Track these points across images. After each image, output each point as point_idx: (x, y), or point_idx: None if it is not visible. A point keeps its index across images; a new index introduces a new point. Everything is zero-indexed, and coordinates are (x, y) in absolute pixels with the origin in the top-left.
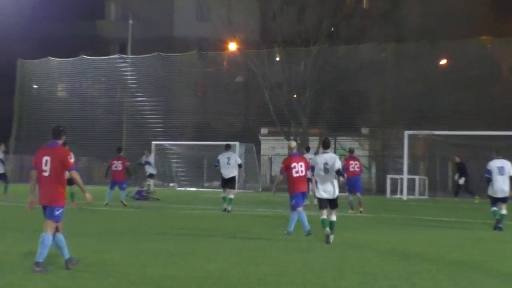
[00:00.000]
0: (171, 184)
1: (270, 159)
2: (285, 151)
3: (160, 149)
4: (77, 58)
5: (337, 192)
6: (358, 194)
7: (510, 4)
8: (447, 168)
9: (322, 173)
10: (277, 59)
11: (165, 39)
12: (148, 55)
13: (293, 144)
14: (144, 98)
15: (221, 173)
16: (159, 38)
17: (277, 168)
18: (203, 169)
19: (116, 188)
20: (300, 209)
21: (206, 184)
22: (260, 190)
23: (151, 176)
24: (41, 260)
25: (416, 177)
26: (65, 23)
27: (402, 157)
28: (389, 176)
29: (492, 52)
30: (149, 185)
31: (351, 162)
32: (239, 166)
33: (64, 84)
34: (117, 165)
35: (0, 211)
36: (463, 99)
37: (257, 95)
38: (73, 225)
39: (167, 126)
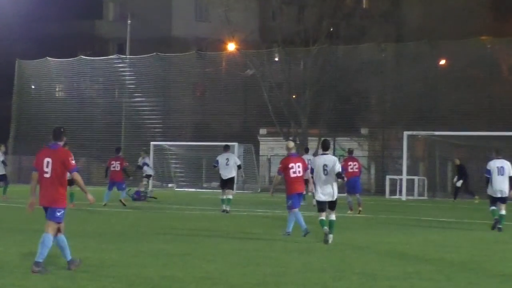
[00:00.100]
0: (170, 185)
1: (269, 159)
2: (284, 151)
3: (159, 149)
4: (75, 58)
5: (336, 194)
6: (357, 195)
7: (510, 4)
8: (447, 169)
9: (321, 175)
10: (276, 59)
11: (163, 39)
12: (147, 55)
13: (291, 144)
14: (142, 99)
15: (219, 174)
16: (158, 38)
17: (276, 168)
18: (202, 169)
19: (115, 188)
20: (296, 210)
21: (205, 185)
22: (259, 190)
23: (148, 176)
24: (40, 260)
25: (415, 178)
26: (63, 23)
27: (401, 157)
28: (388, 177)
29: (492, 52)
30: (145, 185)
31: (349, 163)
32: (239, 167)
33: (62, 85)
34: (116, 166)
35: None
36: (463, 99)
37: (256, 96)
38: (72, 226)
39: (165, 126)
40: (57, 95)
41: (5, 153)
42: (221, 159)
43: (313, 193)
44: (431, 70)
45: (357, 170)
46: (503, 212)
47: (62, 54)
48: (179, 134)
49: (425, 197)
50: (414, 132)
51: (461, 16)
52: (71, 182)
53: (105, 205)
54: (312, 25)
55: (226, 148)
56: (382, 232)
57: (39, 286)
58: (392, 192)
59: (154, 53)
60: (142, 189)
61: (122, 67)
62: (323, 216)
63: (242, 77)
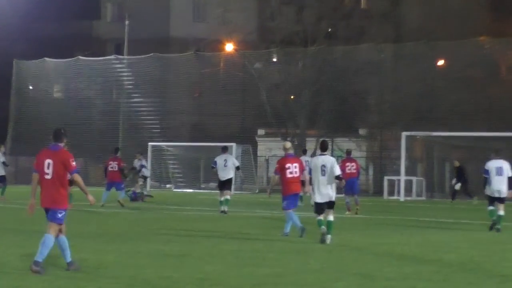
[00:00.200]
0: (167, 186)
1: (267, 160)
2: (282, 152)
3: (157, 150)
4: (73, 58)
5: (334, 196)
6: (355, 196)
7: (508, 4)
8: (445, 169)
9: (319, 175)
10: (275, 59)
11: (161, 39)
12: (145, 55)
13: (288, 144)
14: (140, 99)
15: (217, 175)
16: (156, 39)
17: (273, 169)
18: (200, 170)
19: (113, 189)
20: (290, 211)
21: (202, 185)
22: (257, 191)
23: (144, 177)
24: (40, 260)
25: (414, 178)
26: (61, 23)
27: (399, 158)
28: (386, 177)
29: (491, 53)
30: (141, 185)
31: (347, 164)
32: (237, 168)
33: (60, 85)
34: (113, 166)
35: None
36: (461, 100)
37: (254, 96)
38: (70, 227)
39: (163, 127)
40: (55, 95)
41: (5, 153)
42: (219, 160)
43: (309, 194)
44: (430, 71)
45: (354, 171)
46: (502, 212)
47: (60, 55)
48: (177, 135)
49: (423, 198)
50: (412, 133)
51: (459, 16)
52: (71, 183)
53: (102, 205)
54: (311, 26)
55: (224, 149)
56: (380, 233)
57: (37, 287)
58: (390, 192)
59: (152, 54)
60: (138, 190)
61: (120, 67)
62: (321, 217)
63: (240, 78)
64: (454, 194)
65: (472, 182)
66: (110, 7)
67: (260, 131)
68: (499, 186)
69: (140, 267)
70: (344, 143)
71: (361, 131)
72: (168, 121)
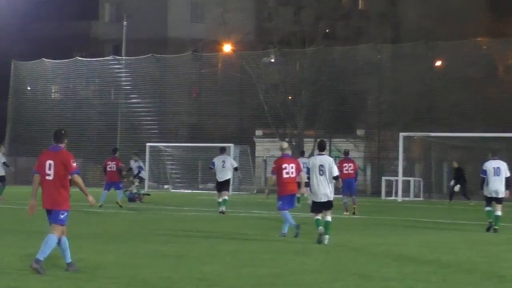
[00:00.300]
0: (165, 186)
1: (265, 161)
2: (280, 153)
3: (155, 151)
4: (71, 59)
5: (332, 195)
6: (353, 196)
7: (506, 5)
8: (443, 170)
9: (317, 175)
10: (272, 60)
11: (159, 40)
12: (143, 56)
13: (285, 145)
14: (138, 100)
15: (215, 176)
16: (154, 39)
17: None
18: (198, 171)
19: (112, 190)
20: (285, 211)
21: (200, 186)
22: (255, 192)
23: (140, 179)
24: (41, 259)
25: (411, 179)
26: (59, 24)
27: (397, 158)
28: (384, 178)
29: (488, 53)
30: (137, 186)
31: (344, 164)
32: (236, 169)
33: (58, 86)
34: (112, 166)
35: None
36: (459, 100)
37: (252, 97)
38: (68, 227)
39: (161, 127)
40: (53, 96)
41: (5, 154)
42: (217, 161)
43: (304, 194)
44: (428, 71)
45: (352, 171)
46: (499, 213)
47: (58, 55)
48: (175, 135)
49: (421, 198)
50: (410, 134)
51: (458, 17)
52: (70, 183)
53: (100, 206)
54: (309, 26)
55: (222, 150)
56: (378, 233)
57: (36, 287)
58: (388, 193)
59: (150, 54)
60: (134, 190)
61: (118, 68)
62: (319, 216)
63: (238, 78)
64: (452, 194)
65: (470, 182)
66: (108, 8)
67: (258, 132)
68: (496, 186)
69: (139, 268)
70: (342, 143)
71: (359, 132)
72: (166, 122)
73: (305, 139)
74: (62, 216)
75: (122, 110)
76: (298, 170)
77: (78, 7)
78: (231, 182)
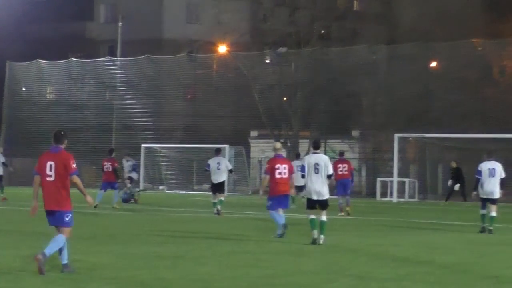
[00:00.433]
0: (160, 187)
1: (260, 162)
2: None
3: (150, 151)
4: (66, 60)
5: (327, 194)
6: (347, 197)
7: (502, 6)
8: (438, 171)
9: (312, 173)
10: (268, 61)
11: (154, 41)
12: (138, 57)
13: (278, 145)
14: (133, 101)
15: (210, 178)
16: (149, 40)
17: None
18: (193, 172)
19: (108, 191)
20: (272, 212)
21: (196, 187)
22: (250, 193)
23: (131, 179)
24: (47, 254)
25: (406, 180)
26: (54, 25)
27: (392, 159)
28: (379, 179)
29: (484, 54)
30: (130, 187)
31: (339, 165)
32: (230, 171)
33: (53, 87)
34: (108, 167)
35: None
36: (455, 101)
37: (247, 98)
38: None
39: (156, 128)
40: (48, 97)
41: (4, 154)
42: (212, 163)
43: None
44: (424, 72)
45: (346, 172)
46: (494, 213)
47: (53, 56)
48: (170, 136)
49: (416, 199)
50: (405, 135)
51: (453, 18)
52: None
53: (95, 206)
54: (304, 27)
55: (218, 152)
56: (373, 234)
57: None
58: (383, 194)
59: (145, 55)
60: (128, 191)
61: (113, 69)
62: (313, 215)
63: (233, 79)
64: (449, 194)
65: (469, 184)
66: (103, 9)
67: (253, 133)
68: (491, 187)
69: (135, 269)
70: (337, 144)
71: (354, 133)
72: (161, 123)
73: (300, 140)
74: (67, 218)
75: (117, 111)
76: (291, 171)
77: (73, 8)
78: (226, 184)
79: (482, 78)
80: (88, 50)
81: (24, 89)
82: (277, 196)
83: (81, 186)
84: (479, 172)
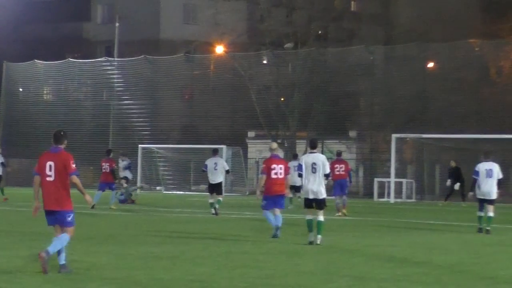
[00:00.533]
0: (158, 188)
1: (257, 162)
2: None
3: (147, 152)
4: (63, 61)
5: (324, 193)
6: (344, 197)
7: (499, 6)
8: (435, 171)
9: (310, 173)
10: (265, 61)
11: (151, 41)
12: (135, 58)
13: (274, 145)
14: (130, 101)
15: (208, 178)
16: (146, 41)
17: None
18: (190, 172)
19: (105, 192)
20: (265, 211)
21: (193, 188)
22: (247, 193)
23: (126, 179)
24: (50, 251)
25: (404, 180)
26: (51, 25)
27: (389, 160)
28: (376, 179)
29: (481, 55)
30: (126, 187)
31: (336, 165)
32: (227, 172)
33: (50, 87)
34: (106, 167)
35: None
36: (452, 102)
37: (244, 98)
38: None
39: (154, 129)
40: (45, 97)
41: (3, 154)
42: (210, 163)
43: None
44: (421, 73)
45: (343, 172)
46: (491, 214)
47: (50, 57)
48: (167, 137)
49: (413, 200)
50: (403, 135)
51: (450, 18)
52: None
53: (93, 207)
54: (301, 28)
55: (215, 152)
56: (370, 235)
57: None
58: (381, 194)
59: (142, 56)
60: (124, 191)
61: (110, 69)
62: (310, 216)
63: (231, 80)
64: (448, 194)
65: (466, 182)
66: (100, 9)
67: (251, 133)
68: (488, 188)
69: (132, 269)
70: (335, 145)
71: (351, 133)
72: (158, 123)
73: (297, 141)
74: (69, 218)
75: (114, 112)
76: (287, 171)
77: (70, 9)
78: (223, 185)
79: (480, 79)
80: (85, 50)
81: (21, 89)
82: (273, 196)
83: (81, 186)
84: (477, 173)
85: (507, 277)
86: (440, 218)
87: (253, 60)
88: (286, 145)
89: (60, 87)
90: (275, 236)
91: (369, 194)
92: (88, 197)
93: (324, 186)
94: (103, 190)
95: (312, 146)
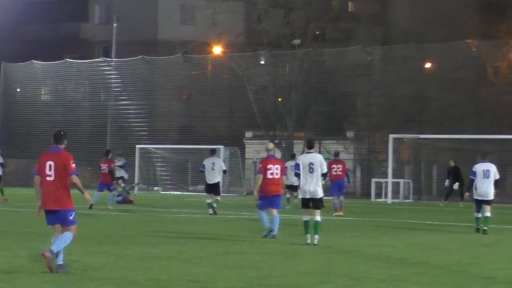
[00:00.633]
0: (155, 188)
1: (255, 163)
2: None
3: (145, 152)
4: (61, 61)
5: (320, 193)
6: (341, 197)
7: (496, 7)
8: (432, 172)
9: (307, 172)
10: (262, 62)
11: (149, 42)
12: (133, 58)
13: (271, 145)
14: (128, 102)
15: (205, 178)
16: (144, 41)
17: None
18: (188, 172)
19: (103, 193)
20: (260, 211)
21: (190, 188)
22: (245, 194)
23: (123, 179)
24: (54, 250)
25: (401, 181)
26: (49, 26)
27: (387, 160)
28: (374, 180)
29: (479, 55)
30: (124, 186)
31: (333, 165)
32: (224, 172)
33: (48, 88)
34: (104, 168)
35: None
36: (450, 102)
37: (242, 99)
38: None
39: (151, 129)
40: (42, 98)
41: (2, 155)
42: (207, 163)
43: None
44: (418, 73)
45: (341, 172)
46: (488, 214)
47: (47, 57)
48: (164, 137)
49: (411, 200)
50: (400, 135)
51: (448, 19)
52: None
53: (91, 207)
54: (299, 28)
55: (213, 152)
56: (368, 235)
57: None
58: (378, 195)
59: (140, 56)
60: (122, 190)
61: (108, 70)
62: (307, 217)
63: (228, 80)
64: (448, 194)
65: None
66: (98, 10)
67: (248, 134)
68: (486, 188)
69: (129, 269)
70: (332, 145)
71: (349, 134)
72: (156, 124)
73: (295, 141)
74: (71, 217)
75: (112, 112)
76: (283, 172)
77: (68, 9)
78: (221, 185)
79: (477, 79)
80: (83, 51)
81: (18, 90)
82: (268, 196)
83: (80, 185)
84: (474, 173)
85: (504, 277)
86: (437, 219)
87: (251, 61)
88: (283, 145)
89: (57, 88)
90: (270, 236)
91: (367, 195)
92: (87, 195)
93: (321, 186)
94: (102, 191)
95: (309, 146)
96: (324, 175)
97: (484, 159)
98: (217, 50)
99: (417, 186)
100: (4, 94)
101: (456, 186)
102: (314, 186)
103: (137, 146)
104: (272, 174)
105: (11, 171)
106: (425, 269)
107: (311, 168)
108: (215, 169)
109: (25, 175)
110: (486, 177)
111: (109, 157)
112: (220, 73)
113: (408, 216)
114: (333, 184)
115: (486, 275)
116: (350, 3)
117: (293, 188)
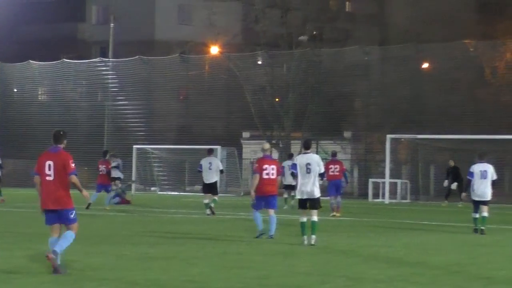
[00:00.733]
0: (152, 188)
1: (252, 163)
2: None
3: (142, 153)
4: (58, 61)
5: (317, 193)
6: (338, 197)
7: (494, 7)
8: (430, 172)
9: (304, 173)
10: (260, 62)
11: (146, 42)
12: (130, 58)
13: (267, 146)
14: (125, 102)
15: (202, 178)
16: (141, 41)
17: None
18: (185, 173)
19: (101, 193)
20: (255, 212)
21: (188, 188)
22: (242, 194)
23: (119, 179)
24: (58, 251)
25: (398, 181)
26: (46, 26)
27: (384, 160)
28: (371, 180)
29: (476, 55)
30: (121, 187)
31: (330, 166)
32: (221, 172)
33: (45, 88)
34: (102, 169)
35: None
36: (448, 102)
37: (239, 99)
38: None
39: (149, 129)
40: (39, 98)
41: (0, 156)
42: (204, 163)
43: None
44: (416, 73)
45: (338, 173)
46: (485, 214)
47: (45, 57)
48: (162, 137)
49: (408, 200)
50: (398, 136)
51: (446, 19)
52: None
53: (88, 207)
54: (296, 28)
55: (210, 152)
56: (365, 235)
57: None
58: (375, 195)
59: (137, 56)
60: (119, 191)
61: (105, 70)
62: (304, 218)
63: (226, 80)
64: (447, 194)
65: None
66: (95, 10)
67: (245, 134)
68: (483, 189)
69: (127, 270)
70: (329, 145)
71: (346, 134)
72: (153, 124)
73: (292, 141)
74: (72, 216)
75: (109, 112)
76: (278, 172)
77: (65, 9)
78: (218, 185)
79: (475, 79)
80: (80, 51)
81: (15, 90)
82: (264, 196)
83: (79, 184)
84: (471, 174)
85: (503, 277)
86: (435, 219)
87: (248, 61)
88: (281, 145)
89: (55, 88)
90: (258, 237)
91: (364, 195)
92: (85, 193)
93: (318, 186)
94: (99, 192)
95: (306, 146)
96: (321, 175)
97: (481, 159)
98: (214, 50)
99: (414, 186)
100: (1, 94)
101: (454, 186)
102: (311, 187)
103: (134, 146)
104: (268, 174)
105: (9, 171)
106: (423, 269)
107: (308, 169)
108: (212, 168)
109: (22, 175)
110: (483, 178)
111: (107, 157)
112: (218, 73)
113: (406, 217)
114: (330, 185)
115: (485, 275)
116: (347, 3)
117: (292, 188)
